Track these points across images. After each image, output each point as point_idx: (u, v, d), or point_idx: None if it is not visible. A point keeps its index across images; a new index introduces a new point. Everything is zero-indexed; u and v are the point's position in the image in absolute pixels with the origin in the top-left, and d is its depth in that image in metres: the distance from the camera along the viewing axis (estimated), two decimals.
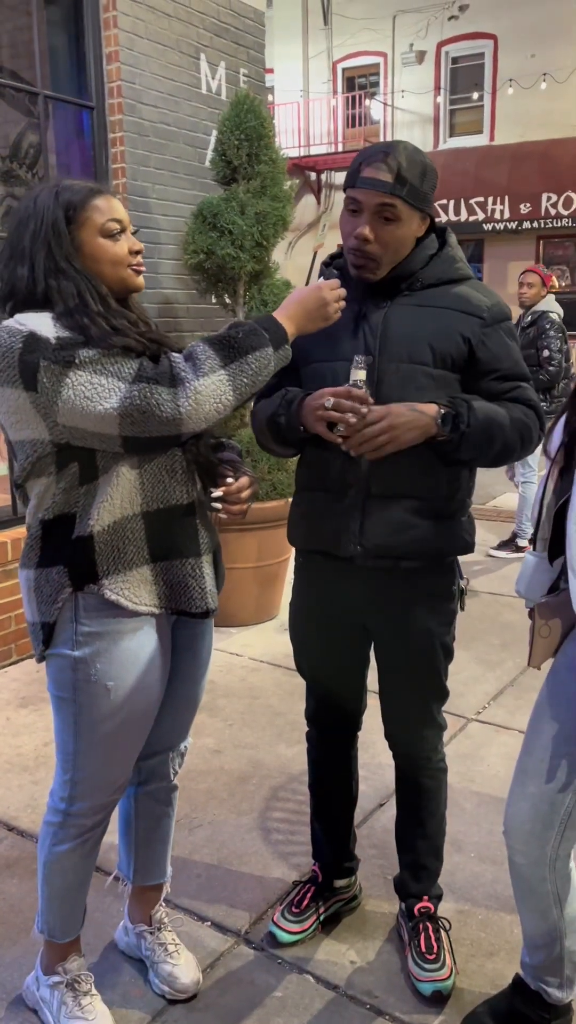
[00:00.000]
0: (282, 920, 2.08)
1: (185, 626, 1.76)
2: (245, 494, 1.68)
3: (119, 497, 1.56)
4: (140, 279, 1.64)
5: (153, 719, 1.74)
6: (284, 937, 2.06)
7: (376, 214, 1.68)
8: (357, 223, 1.70)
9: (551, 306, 5.29)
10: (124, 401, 1.46)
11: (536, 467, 5.25)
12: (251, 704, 3.41)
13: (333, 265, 1.89)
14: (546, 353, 5.10)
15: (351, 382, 1.67)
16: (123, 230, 1.60)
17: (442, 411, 1.68)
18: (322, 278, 1.74)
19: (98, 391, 1.46)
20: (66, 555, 1.58)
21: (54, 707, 1.70)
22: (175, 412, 1.48)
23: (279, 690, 3.52)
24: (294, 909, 2.10)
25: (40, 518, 1.60)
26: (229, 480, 1.66)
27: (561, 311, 5.33)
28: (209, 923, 2.17)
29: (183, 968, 1.93)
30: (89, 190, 1.58)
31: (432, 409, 1.68)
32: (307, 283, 1.97)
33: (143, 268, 1.64)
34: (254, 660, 3.84)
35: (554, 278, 5.38)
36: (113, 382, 1.47)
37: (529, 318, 5.30)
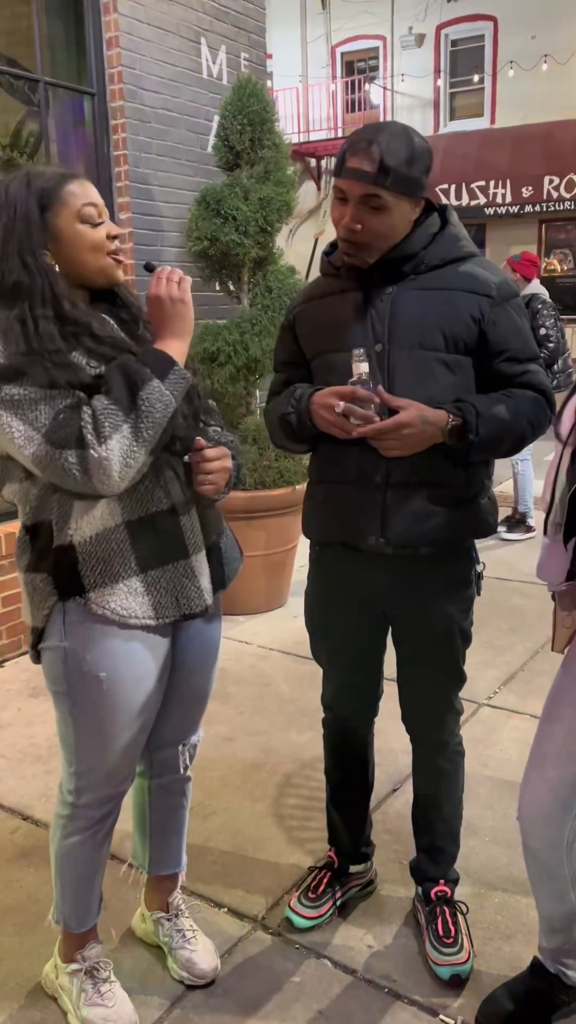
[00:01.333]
0: (298, 905, 2.09)
1: (188, 622, 1.71)
2: (215, 465, 1.59)
3: (99, 508, 1.53)
4: (120, 272, 1.58)
5: (153, 712, 1.71)
6: (300, 922, 2.07)
7: (362, 204, 1.64)
8: (345, 212, 1.67)
9: (538, 289, 5.43)
10: (37, 457, 1.43)
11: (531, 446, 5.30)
12: (262, 691, 3.41)
13: (331, 258, 1.85)
14: (543, 332, 5.21)
15: (355, 377, 1.65)
16: (100, 215, 1.54)
17: (451, 422, 1.66)
18: (321, 272, 1.70)
19: (16, 437, 1.43)
20: (49, 563, 1.56)
21: (53, 702, 1.69)
22: (86, 482, 1.43)
23: (289, 677, 3.52)
24: (310, 894, 2.10)
25: (23, 522, 1.59)
26: (201, 442, 1.58)
27: (547, 293, 5.47)
28: (226, 909, 2.17)
29: (201, 954, 1.93)
30: (61, 175, 1.53)
31: (442, 419, 1.66)
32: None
33: (122, 258, 1.58)
34: (263, 648, 3.84)
35: (533, 267, 5.45)
36: (28, 431, 1.42)
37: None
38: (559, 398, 1.68)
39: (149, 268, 1.58)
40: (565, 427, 1.55)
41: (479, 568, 1.88)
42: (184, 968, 1.92)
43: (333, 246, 1.86)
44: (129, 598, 1.56)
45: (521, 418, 1.72)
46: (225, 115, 4.09)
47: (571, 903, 1.70)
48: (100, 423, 1.42)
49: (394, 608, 1.88)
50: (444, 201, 14.29)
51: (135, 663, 1.62)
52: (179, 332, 1.55)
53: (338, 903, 2.12)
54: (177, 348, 1.54)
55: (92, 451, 1.40)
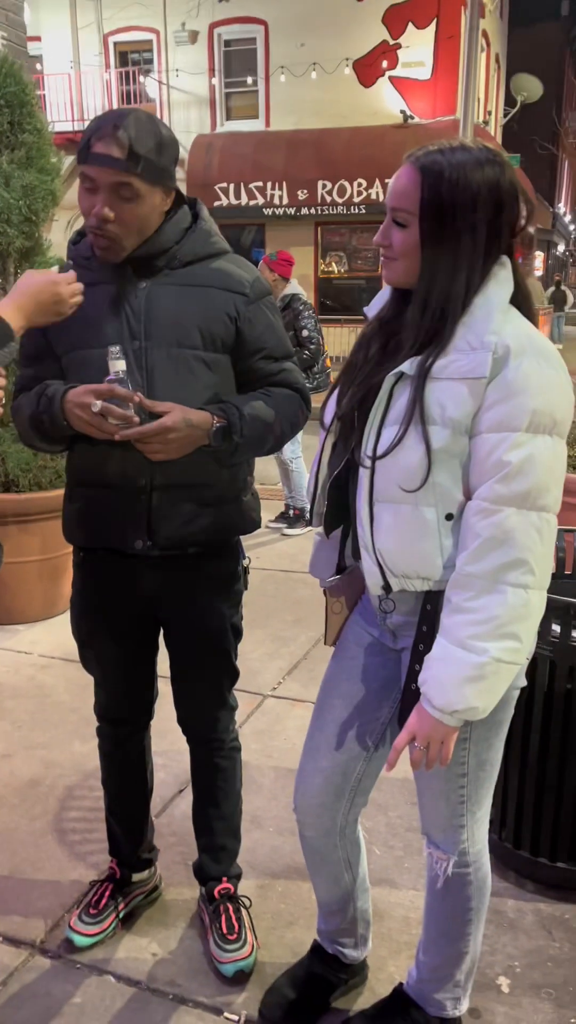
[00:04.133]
0: (79, 924, 2.01)
1: None
2: None
3: None
4: None
5: None
6: (81, 941, 1.99)
7: (113, 193, 1.58)
8: (95, 201, 1.60)
9: (297, 289, 5.57)
10: None
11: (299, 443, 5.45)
12: (42, 703, 3.26)
13: (79, 247, 1.77)
14: (305, 333, 5.34)
15: (111, 375, 1.59)
16: None
17: (216, 424, 1.65)
18: (68, 260, 1.64)
19: None
20: None
21: None
22: None
23: (72, 686, 3.38)
24: (91, 910, 2.03)
25: None
26: None
27: (305, 294, 5.62)
28: (0, 938, 2.05)
29: None
30: None
31: (206, 421, 1.64)
32: None
33: None
34: (44, 657, 3.67)
35: (290, 266, 5.55)
36: None
37: (280, 303, 5.47)
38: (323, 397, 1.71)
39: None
40: (328, 416, 1.59)
41: (245, 563, 1.89)
42: None
43: (80, 234, 1.78)
44: None
45: (281, 417, 1.75)
46: None
47: (345, 885, 1.76)
48: None
49: (164, 610, 1.85)
50: (224, 200, 14.48)
51: None
52: (26, 309, 1.54)
53: (121, 915, 2.06)
54: (20, 321, 1.53)
55: None
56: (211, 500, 1.74)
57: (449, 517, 1.40)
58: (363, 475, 1.46)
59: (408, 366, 1.39)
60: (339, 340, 12.55)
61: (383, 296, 1.58)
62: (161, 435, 1.59)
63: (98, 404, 1.57)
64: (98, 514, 1.76)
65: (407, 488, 1.38)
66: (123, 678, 1.96)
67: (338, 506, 1.58)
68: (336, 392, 1.59)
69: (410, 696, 1.48)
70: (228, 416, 1.66)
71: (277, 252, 5.54)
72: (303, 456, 5.64)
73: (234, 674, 1.95)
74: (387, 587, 1.46)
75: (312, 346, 5.35)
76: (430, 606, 1.44)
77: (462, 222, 1.35)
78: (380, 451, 1.40)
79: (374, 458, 1.42)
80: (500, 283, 1.40)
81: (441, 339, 1.38)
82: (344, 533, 1.62)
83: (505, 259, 1.42)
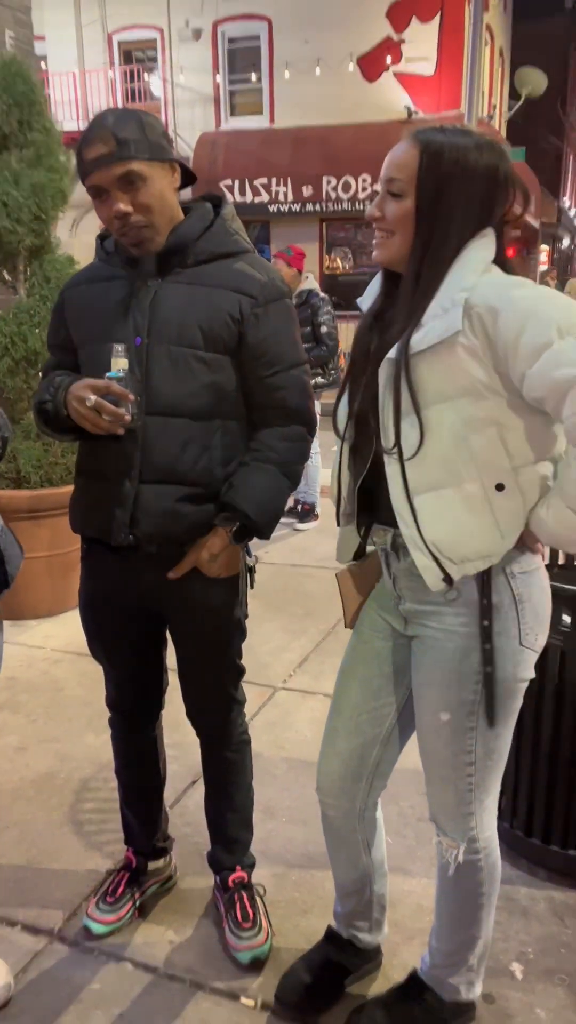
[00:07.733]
0: (96, 911, 2.04)
1: None
2: None
3: None
4: None
5: None
6: (98, 928, 2.02)
7: (121, 186, 1.61)
8: (109, 205, 1.63)
9: (313, 284, 5.53)
10: None
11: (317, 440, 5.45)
12: (55, 697, 3.29)
13: (105, 244, 1.82)
14: (324, 329, 5.32)
15: (113, 372, 1.62)
16: None
17: (231, 533, 1.73)
18: (96, 257, 1.68)
19: None
20: None
21: None
22: None
23: (85, 679, 3.42)
24: (108, 899, 2.05)
25: None
26: None
27: (318, 287, 5.60)
28: (20, 926, 2.08)
29: None
30: None
31: (223, 538, 1.73)
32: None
33: None
34: (57, 651, 3.71)
35: (302, 259, 5.53)
36: None
37: (296, 299, 5.46)
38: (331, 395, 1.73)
39: None
40: (341, 422, 1.59)
41: (250, 562, 1.89)
42: None
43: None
44: None
45: (283, 471, 1.77)
46: None
47: (363, 867, 1.79)
48: None
49: (164, 606, 1.85)
50: (229, 198, 14.45)
51: None
52: None
53: (138, 903, 2.09)
54: None
55: None
56: (201, 498, 1.73)
57: (499, 487, 1.38)
58: (393, 472, 1.45)
59: (394, 351, 1.40)
60: (346, 336, 12.46)
61: (374, 288, 1.57)
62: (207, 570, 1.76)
63: (92, 399, 1.61)
64: (91, 504, 1.79)
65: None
66: (129, 670, 1.98)
67: (362, 505, 1.60)
68: (346, 396, 1.58)
69: (489, 681, 1.47)
70: (239, 520, 1.73)
71: (289, 247, 5.53)
72: (320, 451, 5.65)
73: (238, 672, 1.94)
74: (447, 579, 1.44)
75: (330, 342, 5.33)
76: (486, 577, 1.44)
77: (457, 197, 1.36)
78: (407, 450, 1.40)
79: (400, 454, 1.42)
80: (476, 249, 1.39)
81: (419, 314, 1.37)
82: (367, 525, 1.63)
83: (488, 229, 1.40)
